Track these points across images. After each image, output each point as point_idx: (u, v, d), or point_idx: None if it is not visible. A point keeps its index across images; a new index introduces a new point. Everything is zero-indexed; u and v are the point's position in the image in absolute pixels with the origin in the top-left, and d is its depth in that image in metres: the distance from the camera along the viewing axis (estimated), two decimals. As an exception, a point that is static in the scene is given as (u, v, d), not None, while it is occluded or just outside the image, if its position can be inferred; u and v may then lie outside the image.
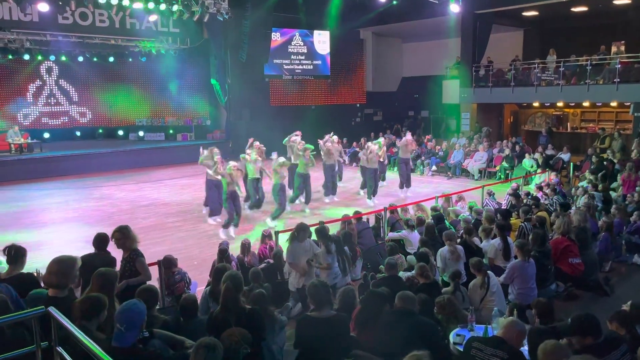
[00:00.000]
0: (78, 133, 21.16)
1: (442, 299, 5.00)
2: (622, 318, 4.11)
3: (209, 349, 3.12)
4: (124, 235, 5.24)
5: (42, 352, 3.31)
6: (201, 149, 11.50)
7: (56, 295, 3.90)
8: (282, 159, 11.31)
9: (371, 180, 13.10)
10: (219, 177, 10.38)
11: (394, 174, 15.60)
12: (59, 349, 3.25)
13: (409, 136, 14.74)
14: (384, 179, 15.14)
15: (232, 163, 10.50)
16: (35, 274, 5.22)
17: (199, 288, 6.70)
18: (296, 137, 12.90)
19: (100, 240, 5.30)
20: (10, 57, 18.09)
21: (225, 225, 10.23)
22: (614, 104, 17.90)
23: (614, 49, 16.90)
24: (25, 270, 4.85)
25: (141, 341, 3.32)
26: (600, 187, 11.27)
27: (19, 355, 3.29)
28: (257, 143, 12.60)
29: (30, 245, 5.93)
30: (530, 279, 6.03)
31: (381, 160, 14.23)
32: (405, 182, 14.08)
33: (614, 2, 16.90)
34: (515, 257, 6.28)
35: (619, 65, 15.77)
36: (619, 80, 15.69)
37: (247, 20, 19.07)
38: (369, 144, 14.15)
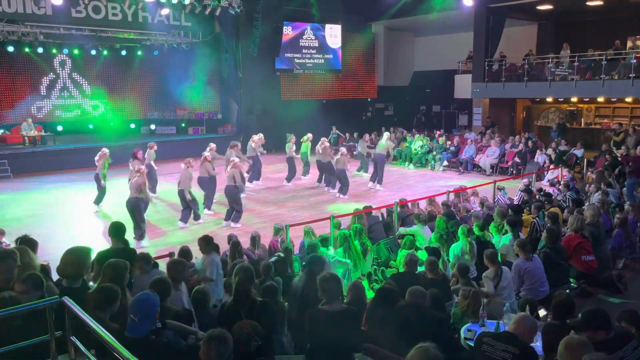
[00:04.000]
0: (91, 126, 21.30)
1: (468, 290, 4.98)
2: (630, 317, 4.12)
3: (219, 341, 3.11)
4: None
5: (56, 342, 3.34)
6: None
7: (70, 285, 3.94)
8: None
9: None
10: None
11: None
12: (73, 338, 3.28)
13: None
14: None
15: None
16: (45, 264, 5.24)
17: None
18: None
19: (117, 229, 5.13)
20: (24, 50, 18.24)
21: None
22: (629, 99, 17.66)
23: (629, 43, 16.65)
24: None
25: (154, 332, 3.34)
26: (610, 180, 11.13)
27: (34, 344, 3.32)
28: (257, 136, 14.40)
29: (42, 237, 5.96)
30: (535, 277, 5.96)
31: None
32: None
33: (630, -4, 16.65)
34: (517, 256, 6.23)
35: (635, 60, 15.52)
36: (634, 75, 15.44)
37: (259, 14, 19.04)
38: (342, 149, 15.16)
